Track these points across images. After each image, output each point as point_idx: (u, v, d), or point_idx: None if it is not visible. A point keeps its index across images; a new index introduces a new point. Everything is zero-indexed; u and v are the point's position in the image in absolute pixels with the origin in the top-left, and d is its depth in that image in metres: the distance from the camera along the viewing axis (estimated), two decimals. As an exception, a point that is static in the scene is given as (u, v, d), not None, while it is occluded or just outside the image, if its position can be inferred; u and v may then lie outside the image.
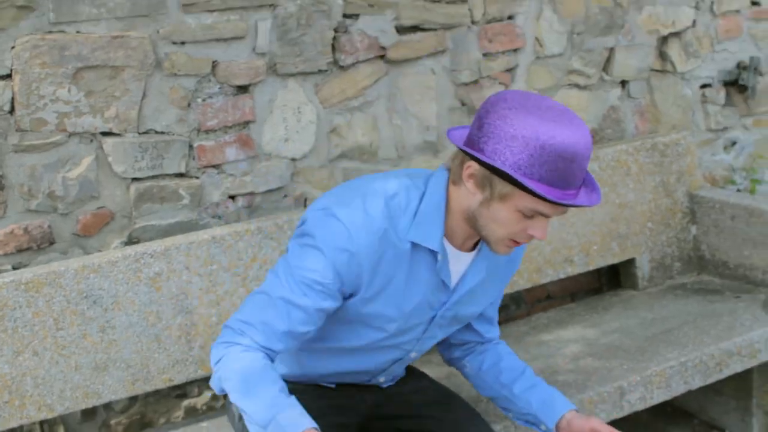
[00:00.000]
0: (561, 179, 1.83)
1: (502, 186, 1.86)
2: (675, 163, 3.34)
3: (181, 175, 2.80)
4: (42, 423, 2.68)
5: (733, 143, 3.82)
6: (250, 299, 2.03)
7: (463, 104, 3.18)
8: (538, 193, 1.81)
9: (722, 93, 3.73)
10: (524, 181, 1.81)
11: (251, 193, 2.91)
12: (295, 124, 2.93)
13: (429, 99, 3.12)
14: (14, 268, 2.56)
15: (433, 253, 2.01)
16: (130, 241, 2.73)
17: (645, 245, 3.32)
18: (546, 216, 1.90)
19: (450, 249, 2.04)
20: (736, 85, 3.73)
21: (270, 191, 2.94)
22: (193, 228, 2.79)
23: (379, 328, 2.08)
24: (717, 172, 3.77)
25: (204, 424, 2.74)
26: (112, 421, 2.86)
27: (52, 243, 2.66)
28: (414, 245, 1.99)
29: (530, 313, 3.36)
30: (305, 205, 2.94)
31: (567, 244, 3.14)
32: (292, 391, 1.97)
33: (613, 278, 3.46)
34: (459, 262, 2.07)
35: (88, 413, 2.79)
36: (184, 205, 2.81)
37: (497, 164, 1.83)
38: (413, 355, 2.24)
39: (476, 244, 2.08)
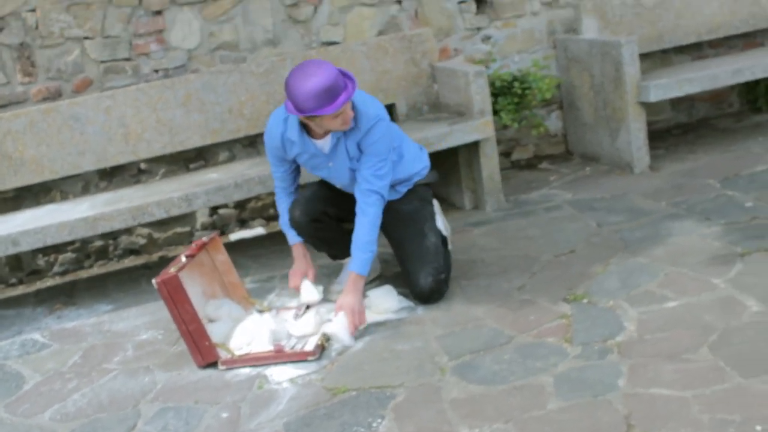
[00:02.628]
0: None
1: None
2: (420, 47, 5.76)
3: (126, 59, 5.44)
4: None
5: (489, 38, 6.19)
6: None
7: (289, 17, 5.71)
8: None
9: (473, 5, 6.07)
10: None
11: (166, 69, 5.53)
12: (188, 30, 5.53)
13: (268, 14, 5.67)
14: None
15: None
16: (102, 91, 5.38)
17: (402, 95, 5.74)
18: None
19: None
20: (482, 0, 6.10)
21: (176, 67, 5.54)
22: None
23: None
24: (477, 56, 6.11)
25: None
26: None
27: (60, 95, 5.34)
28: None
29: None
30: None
31: (348, 93, 5.61)
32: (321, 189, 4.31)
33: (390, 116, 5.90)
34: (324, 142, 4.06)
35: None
36: (129, 75, 5.45)
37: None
38: (342, 185, 4.26)
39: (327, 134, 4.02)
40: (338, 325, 4.06)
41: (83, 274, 5.54)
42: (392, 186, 4.32)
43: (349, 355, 3.96)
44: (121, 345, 4.41)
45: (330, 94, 3.80)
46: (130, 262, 5.60)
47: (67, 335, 4.62)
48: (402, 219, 4.33)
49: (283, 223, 4.37)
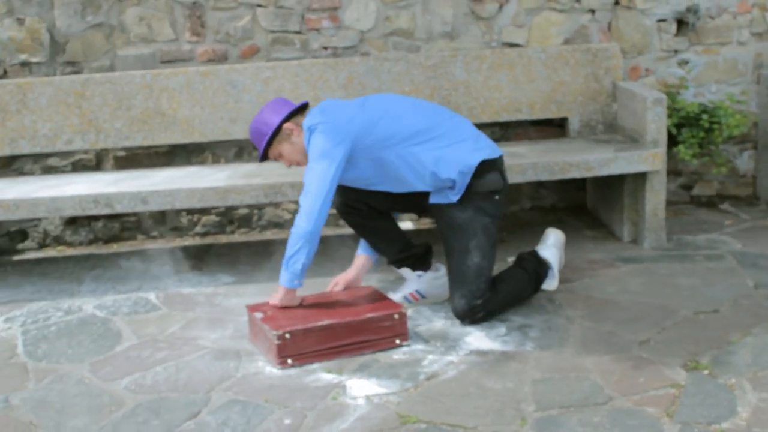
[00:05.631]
0: None
1: None
2: (604, 62, 5.40)
3: (297, 32, 5.33)
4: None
5: (686, 62, 5.74)
6: None
7: (472, 12, 5.45)
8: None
9: (674, 26, 5.64)
10: None
11: (335, 47, 5.39)
12: (364, 11, 5.36)
13: (449, 6, 5.43)
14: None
15: None
16: (267, 60, 5.29)
17: (576, 110, 5.41)
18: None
19: None
20: (683, 22, 5.66)
21: (347, 47, 5.40)
22: (299, 60, 5.32)
23: None
24: (670, 80, 5.70)
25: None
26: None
27: (226, 59, 5.29)
28: None
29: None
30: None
31: (517, 100, 5.34)
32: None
33: (561, 130, 5.58)
34: None
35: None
36: (297, 48, 5.34)
37: None
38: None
39: None
40: None
41: (222, 238, 5.51)
42: (439, 190, 4.11)
43: (436, 381, 3.74)
44: (223, 322, 4.33)
45: (256, 142, 4.13)
46: (271, 234, 5.54)
47: (179, 301, 4.60)
48: (451, 227, 4.14)
49: None
